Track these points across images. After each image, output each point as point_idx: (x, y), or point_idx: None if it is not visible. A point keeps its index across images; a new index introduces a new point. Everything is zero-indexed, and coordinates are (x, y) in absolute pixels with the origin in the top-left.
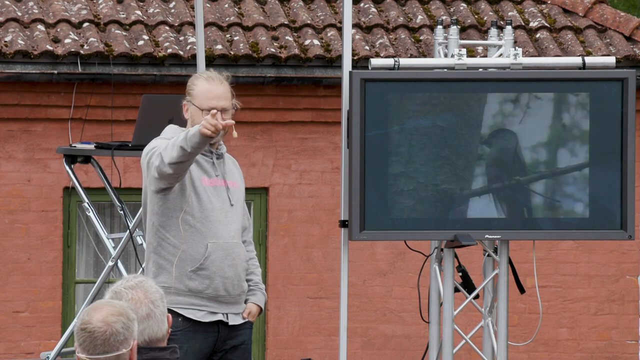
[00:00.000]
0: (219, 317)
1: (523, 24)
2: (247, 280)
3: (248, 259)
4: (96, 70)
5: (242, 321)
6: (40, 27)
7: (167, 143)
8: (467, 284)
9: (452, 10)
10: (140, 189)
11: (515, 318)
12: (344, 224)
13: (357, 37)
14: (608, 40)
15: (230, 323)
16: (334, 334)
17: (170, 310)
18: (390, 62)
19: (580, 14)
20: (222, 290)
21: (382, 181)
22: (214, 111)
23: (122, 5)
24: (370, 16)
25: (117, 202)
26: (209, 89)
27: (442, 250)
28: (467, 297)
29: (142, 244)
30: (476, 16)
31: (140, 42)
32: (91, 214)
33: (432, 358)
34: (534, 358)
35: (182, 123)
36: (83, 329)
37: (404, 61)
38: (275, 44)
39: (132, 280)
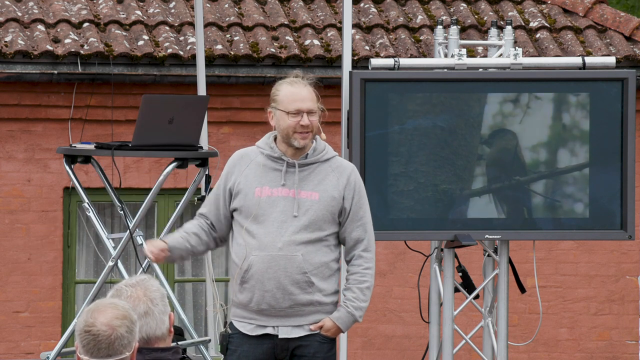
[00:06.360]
0: (268, 330)
1: (523, 24)
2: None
3: (304, 271)
4: (96, 71)
5: (302, 334)
6: (40, 27)
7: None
8: (467, 284)
9: (452, 10)
10: (139, 189)
11: (515, 318)
12: None
13: (357, 37)
14: (608, 40)
15: (281, 336)
16: None
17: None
18: (390, 62)
19: (580, 14)
20: (264, 304)
21: (382, 181)
22: (147, 249)
23: (122, 5)
24: (370, 16)
25: (117, 202)
26: (293, 92)
27: (442, 250)
28: (467, 297)
29: (142, 244)
30: (476, 16)
31: (140, 42)
32: (91, 214)
33: (432, 358)
34: (534, 358)
35: (182, 123)
36: (87, 331)
37: (404, 61)
38: (275, 44)
39: (134, 278)
